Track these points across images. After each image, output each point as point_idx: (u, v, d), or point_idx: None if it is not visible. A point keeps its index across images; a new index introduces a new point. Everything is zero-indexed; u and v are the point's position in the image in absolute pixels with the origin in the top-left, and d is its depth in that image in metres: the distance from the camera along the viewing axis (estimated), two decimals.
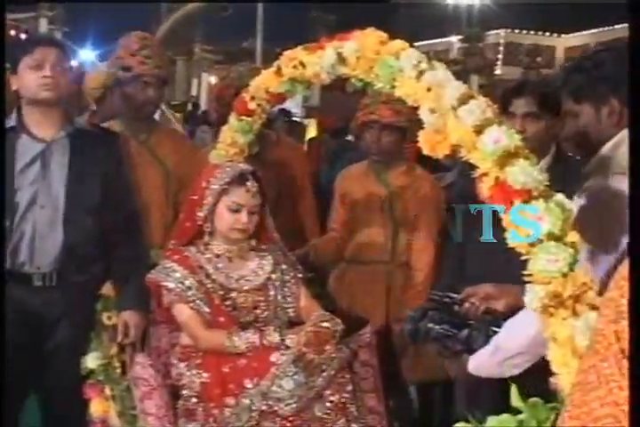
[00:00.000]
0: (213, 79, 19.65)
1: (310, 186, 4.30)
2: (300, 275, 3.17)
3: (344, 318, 3.00)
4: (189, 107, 17.63)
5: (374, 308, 3.63)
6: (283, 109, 9.56)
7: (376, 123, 3.58)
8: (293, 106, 13.25)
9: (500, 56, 25.20)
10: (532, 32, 26.23)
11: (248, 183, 2.98)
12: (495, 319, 2.43)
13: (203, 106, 17.59)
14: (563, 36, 26.49)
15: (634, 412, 0.94)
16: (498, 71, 22.72)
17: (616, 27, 24.61)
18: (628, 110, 1.93)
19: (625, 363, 0.96)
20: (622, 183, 1.99)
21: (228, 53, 21.60)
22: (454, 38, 23.28)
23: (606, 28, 24.83)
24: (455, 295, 2.68)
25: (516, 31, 26.16)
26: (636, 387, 0.94)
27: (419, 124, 3.54)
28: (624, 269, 1.01)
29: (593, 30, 25.52)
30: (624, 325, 0.97)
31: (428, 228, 3.62)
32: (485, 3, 25.11)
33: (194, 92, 21.18)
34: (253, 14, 13.52)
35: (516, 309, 2.24)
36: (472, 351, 2.35)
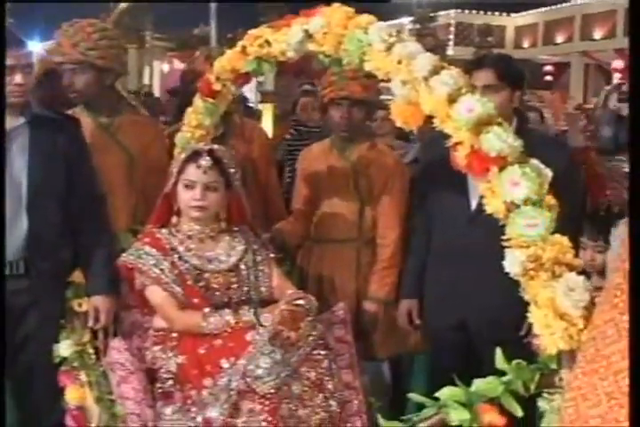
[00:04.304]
0: (166, 67, 19.53)
1: (275, 167, 4.30)
2: (271, 255, 3.19)
3: (315, 295, 3.03)
4: (143, 95, 17.48)
5: (344, 285, 3.64)
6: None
7: (346, 99, 3.56)
8: (247, 91, 13.13)
9: (451, 37, 25.26)
10: (482, 12, 26.35)
11: (200, 160, 3.01)
12: None
13: (156, 94, 17.47)
14: (512, 15, 26.66)
15: (634, 411, 0.95)
16: (450, 52, 22.76)
17: (564, 5, 24.83)
18: (629, 110, 1.86)
19: None
20: None
21: (180, 41, 21.45)
22: (405, 20, 23.28)
23: (554, 7, 25.03)
24: None
25: (467, 11, 26.26)
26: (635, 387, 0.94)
27: (382, 101, 3.56)
28: None
29: (541, 9, 25.69)
30: None
31: (394, 203, 3.63)
32: None
33: (146, 81, 21.00)
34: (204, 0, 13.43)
35: None
36: None
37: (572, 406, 1.03)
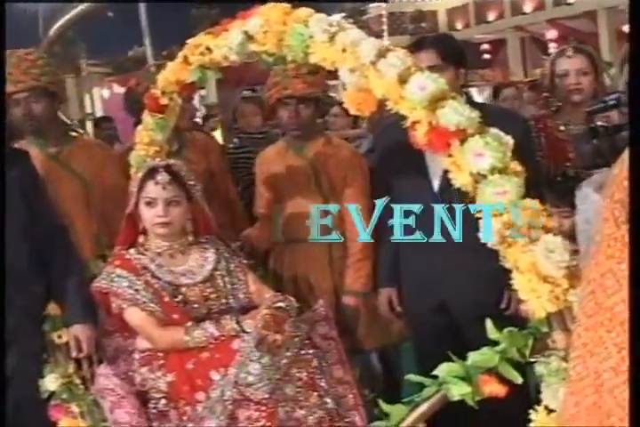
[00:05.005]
0: (106, 93, 19.37)
1: (231, 177, 4.30)
2: (244, 261, 3.19)
3: (293, 296, 3.03)
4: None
5: (320, 283, 3.64)
6: None
7: (291, 98, 3.55)
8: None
9: (384, 27, 25.29)
10: None
11: (158, 176, 3.00)
12: None
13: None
14: None
15: (634, 411, 0.94)
16: (386, 42, 22.81)
17: None
18: (629, 110, 1.86)
19: None
20: None
21: (116, 64, 21.30)
22: (337, 16, 23.31)
23: None
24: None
25: (397, 0, 26.33)
26: (635, 385, 0.94)
27: (330, 96, 3.57)
28: (624, 171, 0.99)
29: None
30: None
31: (358, 195, 3.63)
32: None
33: (88, 109, 20.81)
34: (134, 21, 13.28)
35: None
36: None
37: (580, 364, 1.01)
